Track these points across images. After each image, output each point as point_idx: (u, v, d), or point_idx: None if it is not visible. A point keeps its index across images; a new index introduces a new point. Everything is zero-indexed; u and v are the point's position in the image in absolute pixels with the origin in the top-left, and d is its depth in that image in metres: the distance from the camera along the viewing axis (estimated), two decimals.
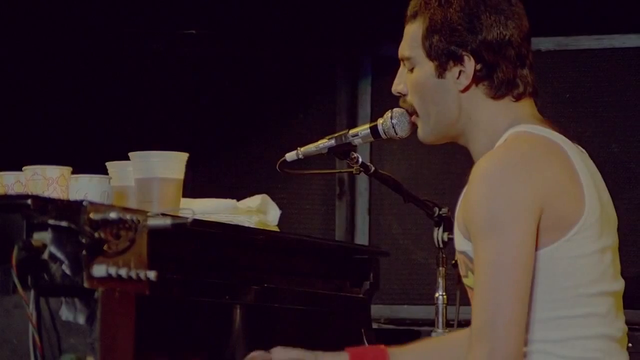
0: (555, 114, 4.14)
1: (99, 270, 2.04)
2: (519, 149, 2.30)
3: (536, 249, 2.26)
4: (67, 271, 2.03)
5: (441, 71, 2.40)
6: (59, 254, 2.04)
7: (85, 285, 2.03)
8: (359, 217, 4.43)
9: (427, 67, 2.41)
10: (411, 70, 2.45)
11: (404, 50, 2.46)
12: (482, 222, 2.25)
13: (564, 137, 2.37)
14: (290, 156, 2.96)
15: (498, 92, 2.39)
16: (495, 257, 2.23)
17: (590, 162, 2.41)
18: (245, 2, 4.43)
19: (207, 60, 4.49)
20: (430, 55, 2.40)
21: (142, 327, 2.14)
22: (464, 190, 2.35)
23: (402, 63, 2.48)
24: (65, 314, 2.05)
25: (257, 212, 2.95)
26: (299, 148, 2.95)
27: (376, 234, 4.41)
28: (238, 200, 2.97)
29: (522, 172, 2.26)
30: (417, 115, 2.47)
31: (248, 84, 4.49)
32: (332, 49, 4.43)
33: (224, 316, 2.58)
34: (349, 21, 4.37)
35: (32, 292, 2.04)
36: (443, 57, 2.39)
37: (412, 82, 2.44)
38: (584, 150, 2.43)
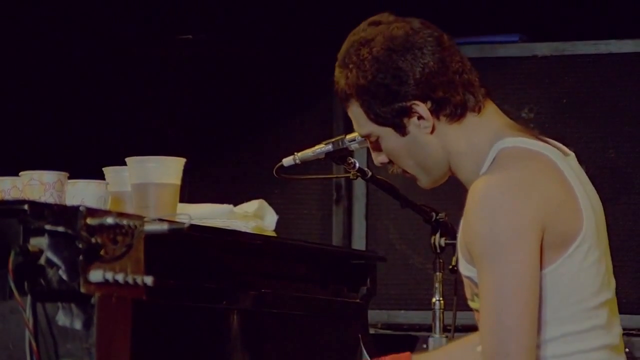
0: (552, 120, 4.15)
1: (96, 275, 2.03)
2: (515, 169, 2.28)
3: (541, 269, 2.25)
4: (64, 276, 2.02)
5: (402, 130, 2.37)
6: (55, 260, 2.03)
7: (82, 290, 2.02)
8: (356, 222, 4.43)
9: (388, 134, 2.38)
10: (377, 141, 2.42)
11: (359, 130, 2.43)
12: (485, 247, 2.23)
13: (549, 146, 2.36)
14: (287, 161, 2.96)
15: (456, 114, 2.35)
16: (501, 281, 2.21)
17: (576, 165, 2.39)
18: (241, 6, 4.43)
19: (204, 65, 4.49)
20: (382, 124, 2.37)
21: (139, 332, 2.14)
22: (464, 213, 2.33)
23: (366, 139, 2.46)
24: (62, 319, 2.04)
25: (254, 217, 2.94)
26: (296, 153, 2.95)
27: (373, 239, 4.40)
28: (235, 205, 2.97)
29: (521, 192, 2.24)
30: (415, 179, 2.45)
31: (245, 89, 4.49)
32: (329, 54, 4.42)
33: (221, 321, 2.58)
34: (346, 27, 4.37)
35: (29, 297, 2.04)
36: (395, 119, 2.36)
37: (386, 151, 2.43)
38: (569, 152, 2.41)
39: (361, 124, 2.41)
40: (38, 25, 4.34)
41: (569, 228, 2.26)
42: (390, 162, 2.44)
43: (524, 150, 2.32)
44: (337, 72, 2.44)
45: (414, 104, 2.34)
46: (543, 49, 4.23)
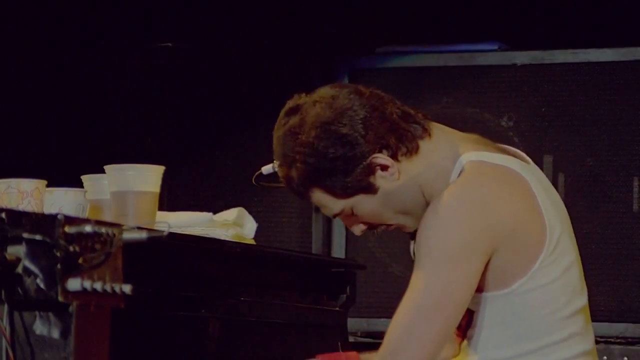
0: (531, 128, 4.16)
1: (74, 284, 2.02)
2: (478, 185, 2.31)
3: (508, 285, 2.27)
4: (42, 285, 2.01)
5: (372, 189, 2.38)
6: (33, 268, 2.02)
7: (60, 299, 2.02)
8: (336, 230, 4.43)
9: (361, 200, 2.38)
10: (352, 212, 2.42)
11: (331, 211, 2.42)
12: (426, 251, 2.27)
13: (510, 158, 2.37)
14: (266, 169, 2.95)
15: (412, 148, 2.37)
16: (428, 289, 2.24)
17: (538, 171, 2.41)
18: (220, 14, 4.43)
19: (183, 73, 4.49)
20: (352, 194, 2.38)
21: (118, 341, 2.13)
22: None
23: (340, 216, 2.45)
24: (39, 328, 2.03)
25: (234, 225, 2.94)
26: (275, 161, 2.95)
27: (353, 247, 4.40)
28: (214, 213, 2.96)
29: (476, 210, 2.27)
30: (401, 228, 2.46)
31: (224, 96, 4.48)
32: (308, 61, 4.43)
33: (200, 330, 2.57)
34: (326, 34, 4.38)
35: (6, 306, 2.03)
36: (362, 182, 2.36)
37: (367, 217, 2.42)
38: (528, 160, 2.43)
39: (331, 205, 2.40)
40: (13, 33, 4.32)
41: (534, 243, 2.28)
42: (370, 226, 2.44)
43: (489, 166, 2.34)
44: (283, 172, 2.43)
45: (374, 157, 2.34)
46: (522, 57, 4.24)
